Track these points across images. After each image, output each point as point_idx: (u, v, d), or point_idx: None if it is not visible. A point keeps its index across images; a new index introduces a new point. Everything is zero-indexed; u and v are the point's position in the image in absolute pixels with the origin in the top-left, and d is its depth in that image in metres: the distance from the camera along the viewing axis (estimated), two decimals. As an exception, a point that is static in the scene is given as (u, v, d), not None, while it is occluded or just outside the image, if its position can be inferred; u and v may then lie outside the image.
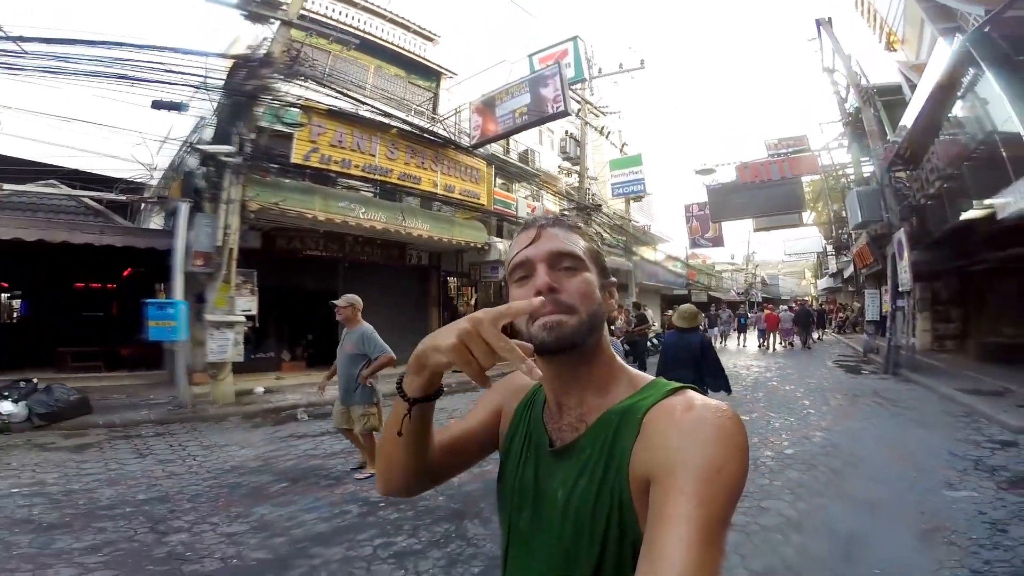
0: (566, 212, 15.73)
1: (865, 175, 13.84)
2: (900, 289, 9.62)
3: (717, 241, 23.29)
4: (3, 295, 15.34)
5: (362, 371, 3.97)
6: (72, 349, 9.06)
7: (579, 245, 0.70)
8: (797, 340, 16.51)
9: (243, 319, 7.02)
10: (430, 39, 15.14)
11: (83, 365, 8.97)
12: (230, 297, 6.91)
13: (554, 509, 0.68)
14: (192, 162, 8.64)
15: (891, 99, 12.53)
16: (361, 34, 11.44)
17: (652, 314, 14.97)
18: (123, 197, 10.23)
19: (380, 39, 12.62)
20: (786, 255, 35.46)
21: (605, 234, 15.70)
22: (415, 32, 14.66)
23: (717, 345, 12.96)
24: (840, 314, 22.76)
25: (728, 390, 4.49)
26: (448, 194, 10.18)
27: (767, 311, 18.01)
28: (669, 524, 0.51)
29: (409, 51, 13.75)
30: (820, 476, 4.15)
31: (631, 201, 18.98)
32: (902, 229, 9.42)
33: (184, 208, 6.66)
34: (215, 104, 7.68)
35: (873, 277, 14.71)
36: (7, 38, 6.48)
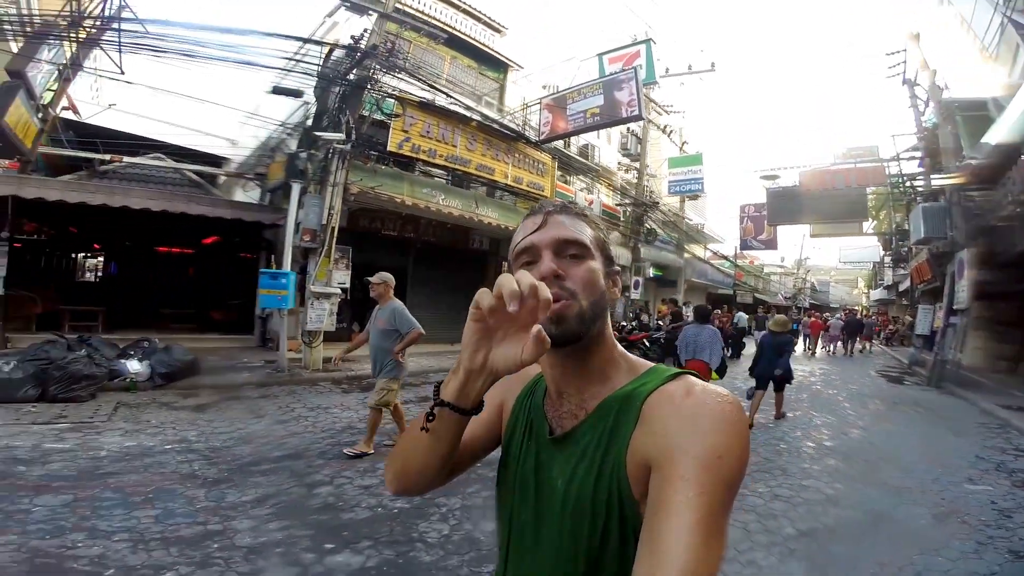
0: (620, 205, 16.29)
1: (933, 187, 13.73)
2: (955, 307, 9.81)
3: (770, 244, 23.17)
4: (98, 257, 16.97)
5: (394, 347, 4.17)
6: (170, 311, 10.19)
7: (585, 233, 0.71)
8: (840, 346, 16.78)
9: (339, 291, 8.04)
10: (498, 30, 15.74)
11: (180, 327, 10.00)
12: (329, 271, 7.94)
13: (554, 497, 0.69)
14: (291, 144, 9.75)
15: (974, 115, 12.40)
16: (443, 26, 12.25)
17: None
18: (220, 171, 11.54)
19: (459, 31, 13.37)
20: (841, 263, 34.61)
21: (659, 230, 16.18)
22: (485, 23, 15.31)
23: None
24: (890, 326, 22.40)
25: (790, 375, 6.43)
26: (517, 185, 10.95)
27: (813, 318, 18.14)
28: (670, 511, 0.52)
29: (482, 43, 14.43)
30: (855, 465, 4.79)
31: (685, 199, 19.27)
32: (965, 250, 9.57)
33: (296, 188, 7.69)
34: (324, 92, 8.67)
35: (929, 293, 14.63)
36: (155, 22, 7.61)
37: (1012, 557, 3.04)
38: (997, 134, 9.25)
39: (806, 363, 14.09)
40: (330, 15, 11.05)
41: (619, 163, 17.47)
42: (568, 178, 15.70)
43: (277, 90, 8.04)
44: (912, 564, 2.91)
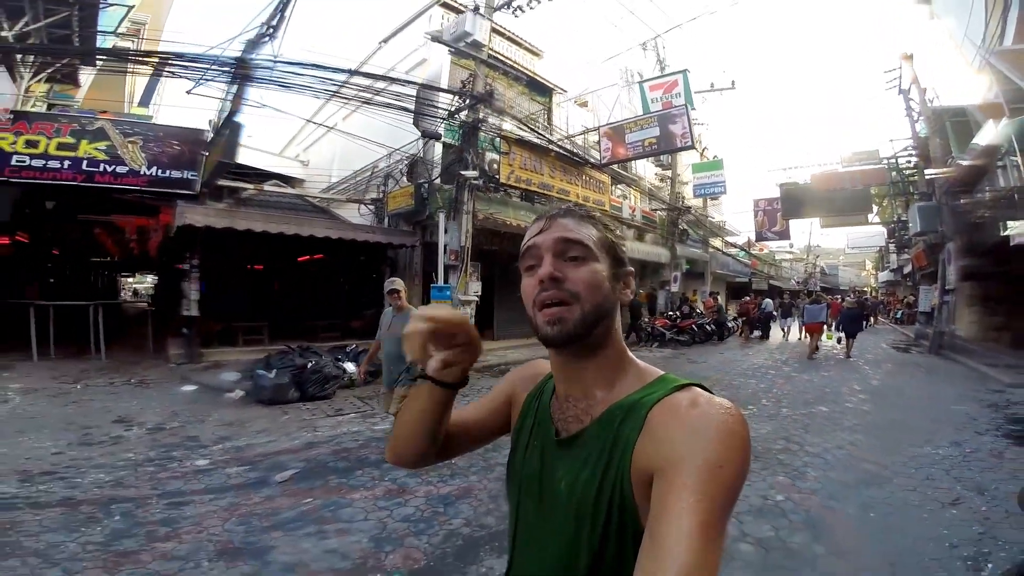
0: (656, 211, 18.95)
1: (926, 188, 16.44)
2: (947, 288, 12.59)
3: (783, 234, 25.84)
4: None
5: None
6: (320, 321, 12.57)
7: (589, 234, 0.75)
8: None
9: (475, 298, 10.69)
10: (536, 54, 18.29)
11: (328, 335, 11.75)
12: (467, 283, 10.58)
13: (557, 499, 0.73)
14: (414, 175, 12.30)
15: (961, 120, 15.07)
16: (512, 64, 14.84)
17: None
18: (333, 197, 14.12)
19: (519, 66, 15.91)
20: (849, 248, 37.54)
21: (690, 230, 18.91)
22: (525, 48, 17.89)
23: (799, 338, 15.88)
24: (898, 306, 25.38)
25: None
26: (585, 203, 13.62)
27: (833, 300, 21.04)
28: (671, 516, 0.55)
29: (535, 73, 16.99)
30: (875, 399, 7.54)
31: (708, 199, 21.99)
32: (952, 243, 12.35)
33: (442, 217, 10.32)
34: (452, 133, 11.20)
35: (928, 276, 17.38)
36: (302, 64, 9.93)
37: (976, 440, 5.58)
38: (983, 138, 11.87)
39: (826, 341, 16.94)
40: (409, 50, 13.60)
41: (655, 173, 20.12)
42: (615, 189, 18.39)
43: (425, 133, 10.62)
44: (917, 446, 5.53)
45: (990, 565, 2.88)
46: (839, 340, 13.10)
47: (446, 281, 10.58)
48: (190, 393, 7.38)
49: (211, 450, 4.90)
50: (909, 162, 17.29)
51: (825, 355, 12.85)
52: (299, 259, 15.99)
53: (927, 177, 16.32)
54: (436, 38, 11.35)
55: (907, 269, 22.37)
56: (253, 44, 8.21)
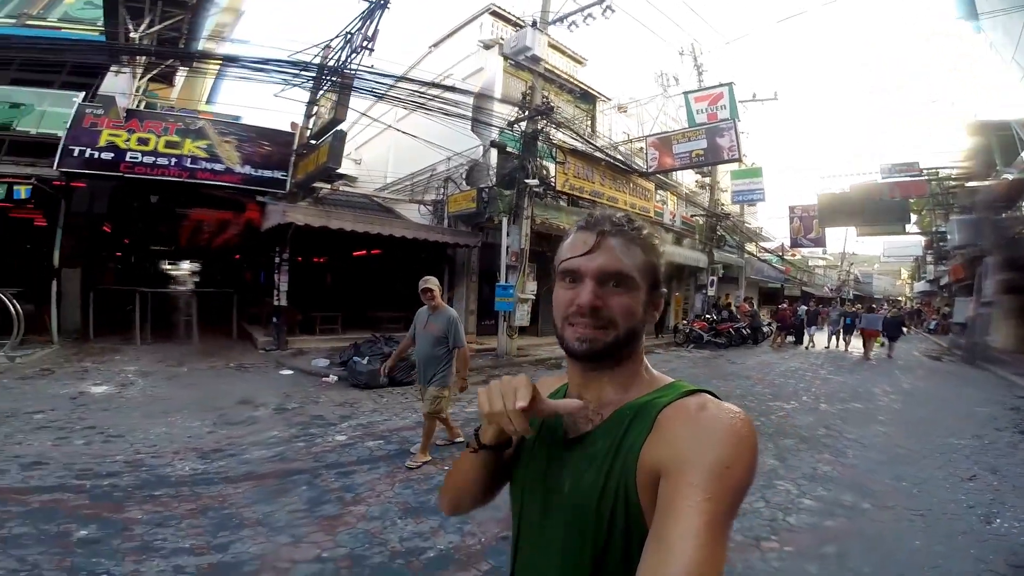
0: (695, 216, 19.67)
1: (966, 201, 16.89)
2: (983, 300, 13.17)
3: (819, 242, 26.22)
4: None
5: (454, 367, 4.42)
6: (384, 313, 13.68)
7: (634, 262, 0.75)
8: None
9: (532, 296, 11.72)
10: (580, 62, 19.13)
11: (393, 326, 12.43)
12: (525, 282, 11.62)
13: (560, 499, 0.76)
14: (472, 179, 13.37)
15: (1005, 134, 15.47)
16: (566, 77, 15.80)
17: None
18: (395, 198, 15.29)
19: (571, 78, 16.84)
20: (884, 256, 37.51)
21: (727, 236, 19.63)
22: (569, 56, 18.78)
23: (823, 347, 16.69)
24: (933, 316, 25.64)
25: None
26: (631, 210, 14.53)
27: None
28: (678, 514, 0.57)
29: (582, 83, 17.89)
30: (907, 400, 8.35)
31: (744, 205, 22.61)
32: (991, 257, 12.93)
33: (505, 221, 11.37)
34: (512, 141, 12.24)
35: (965, 287, 17.81)
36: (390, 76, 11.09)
37: (994, 435, 6.41)
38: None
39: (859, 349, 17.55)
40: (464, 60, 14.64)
41: (695, 180, 20.85)
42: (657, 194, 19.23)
43: (493, 144, 11.69)
44: (942, 438, 6.40)
45: (998, 519, 3.79)
46: (882, 344, 14.75)
47: (507, 280, 11.65)
48: (289, 377, 8.11)
49: (341, 427, 5.49)
50: (949, 176, 17.69)
51: (857, 359, 13.61)
52: (355, 254, 17.25)
53: (968, 189, 16.81)
54: (488, 46, 12.35)
55: (944, 280, 22.66)
56: (352, 53, 9.18)
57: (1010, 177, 13.39)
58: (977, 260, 14.36)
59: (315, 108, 10.72)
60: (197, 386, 7.08)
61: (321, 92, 10.43)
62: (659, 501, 0.62)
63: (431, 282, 4.38)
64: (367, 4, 8.78)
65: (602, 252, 0.75)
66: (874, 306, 19.32)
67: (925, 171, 19.57)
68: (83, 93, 10.33)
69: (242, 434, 5.11)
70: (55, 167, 9.14)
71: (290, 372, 8.52)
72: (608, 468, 0.71)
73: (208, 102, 19.28)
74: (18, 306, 7.88)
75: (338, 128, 9.41)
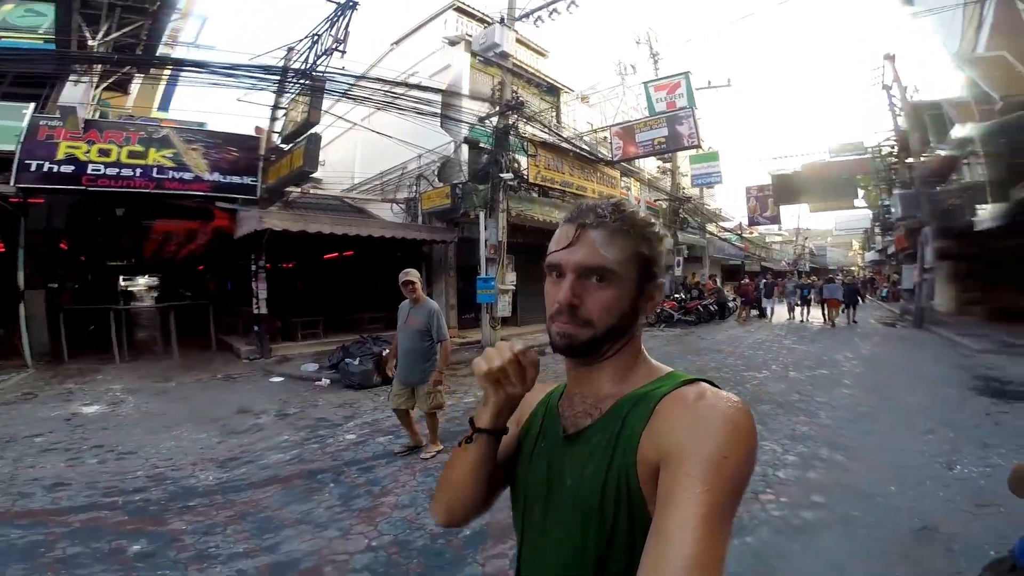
0: (659, 201, 20.35)
1: (906, 176, 18.12)
2: (925, 267, 14.25)
3: (775, 219, 27.52)
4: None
5: (435, 361, 4.31)
6: (365, 314, 13.67)
7: (617, 254, 0.74)
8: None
9: (512, 287, 12.00)
10: (542, 55, 19.41)
11: (375, 327, 12.58)
12: (504, 274, 11.89)
13: (563, 495, 0.75)
14: (444, 175, 13.51)
15: (938, 114, 16.66)
16: (533, 72, 16.02)
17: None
18: (368, 198, 15.26)
19: (537, 72, 17.03)
20: (836, 230, 39.56)
21: (689, 218, 20.39)
22: (532, 49, 19.03)
23: (784, 318, 17.64)
24: (885, 284, 27.39)
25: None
26: (599, 198, 14.95)
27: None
28: (677, 505, 0.57)
29: (546, 76, 18.14)
30: (867, 365, 9.09)
31: (704, 188, 23.49)
32: (928, 226, 13.99)
33: (483, 215, 11.58)
34: (484, 136, 12.43)
35: (909, 256, 19.13)
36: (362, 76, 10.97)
37: (945, 392, 7.12)
38: (956, 132, 13.39)
39: (818, 318, 18.70)
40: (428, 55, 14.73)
41: (657, 166, 21.51)
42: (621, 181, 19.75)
43: (467, 140, 11.84)
44: (901, 397, 7.10)
45: (958, 466, 4.29)
46: (843, 311, 15.83)
47: (487, 273, 11.89)
48: (280, 384, 8.12)
49: (348, 427, 5.61)
50: (891, 152, 18.89)
51: (819, 328, 14.53)
52: (326, 257, 17.09)
53: (907, 165, 18.04)
54: (454, 43, 12.43)
55: (891, 250, 24.17)
56: (323, 55, 9.09)
57: (942, 154, 14.47)
58: (917, 230, 15.47)
59: (280, 112, 10.63)
60: (189, 399, 7.05)
61: (289, 96, 10.34)
62: (659, 492, 0.62)
63: (411, 274, 4.27)
64: (335, 5, 8.76)
65: (582, 246, 0.74)
66: (831, 276, 20.34)
67: (869, 149, 20.87)
68: (33, 104, 9.90)
69: (252, 441, 5.19)
70: (12, 183, 8.77)
71: (280, 379, 8.54)
72: (608, 461, 0.71)
73: (160, 108, 18.63)
74: (-12, 332, 7.65)
75: (312, 131, 9.38)
